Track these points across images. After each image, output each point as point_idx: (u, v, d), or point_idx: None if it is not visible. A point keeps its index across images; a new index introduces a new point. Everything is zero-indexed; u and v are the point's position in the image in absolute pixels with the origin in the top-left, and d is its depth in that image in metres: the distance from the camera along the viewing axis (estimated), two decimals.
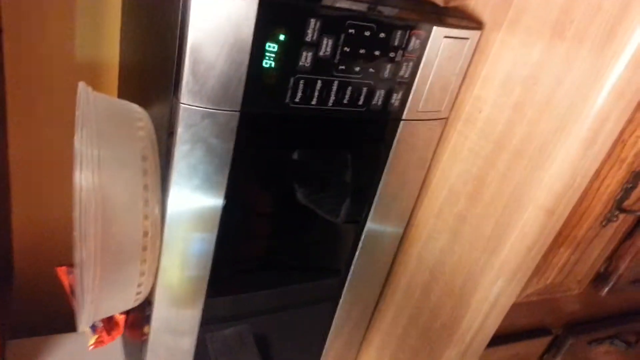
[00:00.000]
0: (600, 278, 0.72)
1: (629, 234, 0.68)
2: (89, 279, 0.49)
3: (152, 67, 0.59)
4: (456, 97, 0.62)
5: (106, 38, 0.84)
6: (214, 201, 0.54)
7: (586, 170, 0.52)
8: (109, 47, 0.85)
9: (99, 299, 0.50)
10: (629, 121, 0.53)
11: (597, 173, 0.56)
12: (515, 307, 0.65)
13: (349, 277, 0.72)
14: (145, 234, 0.51)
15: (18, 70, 0.81)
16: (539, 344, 0.76)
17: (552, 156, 0.53)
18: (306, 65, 0.50)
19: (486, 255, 0.60)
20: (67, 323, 0.90)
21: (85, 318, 0.52)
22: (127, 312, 0.76)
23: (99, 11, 0.82)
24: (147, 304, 0.63)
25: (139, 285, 0.54)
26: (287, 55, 0.48)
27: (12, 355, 0.87)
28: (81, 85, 0.55)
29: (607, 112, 0.49)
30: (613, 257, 0.70)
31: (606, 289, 0.72)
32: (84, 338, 0.86)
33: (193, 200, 0.53)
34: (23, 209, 0.91)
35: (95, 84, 0.61)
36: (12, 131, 0.84)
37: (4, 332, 0.84)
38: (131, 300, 0.55)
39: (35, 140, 0.87)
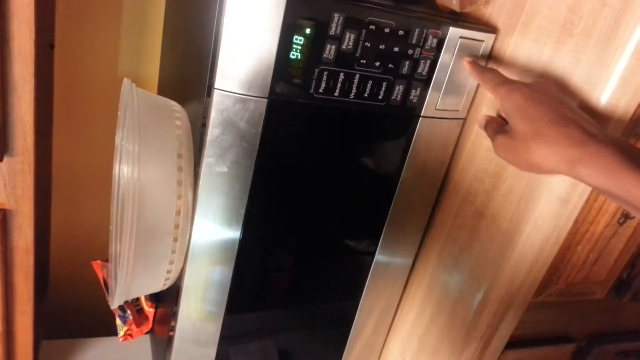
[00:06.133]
0: (622, 284, 0.72)
1: None
2: (124, 251, 0.52)
3: (190, 65, 0.65)
4: (473, 99, 0.66)
5: (148, 55, 0.91)
6: (243, 184, 0.57)
7: None
8: (150, 63, 0.92)
9: (133, 272, 0.54)
10: None
11: None
12: (536, 308, 0.66)
13: (368, 280, 0.74)
14: (178, 212, 0.55)
15: (65, 83, 0.89)
16: (562, 351, 0.75)
17: None
18: (330, 57, 0.54)
19: (504, 248, 0.61)
20: (98, 327, 0.94)
21: (120, 291, 0.55)
22: (155, 307, 0.79)
23: (142, 30, 0.90)
24: (174, 301, 0.66)
25: (170, 263, 0.57)
26: (313, 47, 0.53)
27: (45, 355, 0.91)
28: (126, 80, 0.61)
29: (617, 100, 0.51)
30: (635, 262, 0.70)
31: (628, 295, 0.72)
32: (115, 342, 0.89)
33: (223, 183, 0.57)
34: (62, 210, 0.96)
35: None
36: (56, 138, 0.91)
37: (39, 332, 0.87)
38: (162, 279, 0.58)
39: (76, 147, 0.93)
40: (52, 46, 0.86)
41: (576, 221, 0.59)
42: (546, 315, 0.70)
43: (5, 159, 0.60)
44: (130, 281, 0.55)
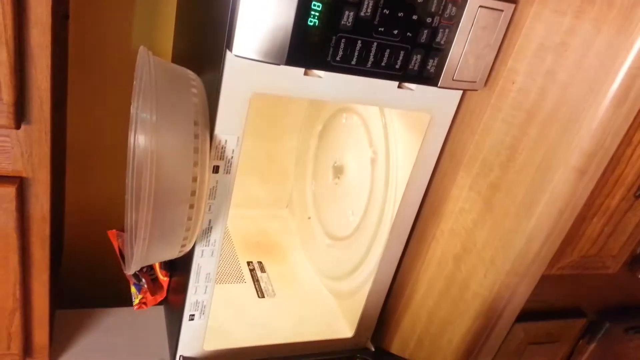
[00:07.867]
0: (636, 259, 0.72)
1: None
2: (142, 217, 0.53)
3: (205, 32, 0.64)
4: (490, 71, 0.65)
5: (162, 24, 0.91)
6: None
7: (617, 129, 0.53)
8: (164, 33, 0.92)
9: (150, 237, 0.54)
10: None
11: (630, 139, 0.58)
12: (549, 281, 0.66)
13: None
14: (194, 179, 0.55)
15: (79, 54, 0.89)
16: (573, 325, 0.75)
17: (582, 117, 0.54)
18: (348, 24, 0.54)
19: (518, 220, 0.61)
20: (113, 298, 0.95)
21: (137, 257, 0.56)
22: (170, 276, 0.79)
23: (156, 1, 0.90)
24: (188, 271, 0.67)
25: (187, 230, 0.57)
26: (331, 14, 0.52)
27: (60, 325, 0.92)
28: (142, 48, 0.61)
29: (637, 69, 0.50)
30: None
31: None
32: (129, 313, 0.90)
33: None
34: (76, 180, 0.97)
35: None
36: (70, 109, 0.91)
37: (54, 302, 0.89)
38: (178, 246, 0.59)
39: (90, 118, 0.94)
40: (66, 17, 0.85)
41: (592, 193, 0.58)
42: (558, 288, 0.71)
43: (22, 127, 0.60)
44: (148, 247, 0.55)
